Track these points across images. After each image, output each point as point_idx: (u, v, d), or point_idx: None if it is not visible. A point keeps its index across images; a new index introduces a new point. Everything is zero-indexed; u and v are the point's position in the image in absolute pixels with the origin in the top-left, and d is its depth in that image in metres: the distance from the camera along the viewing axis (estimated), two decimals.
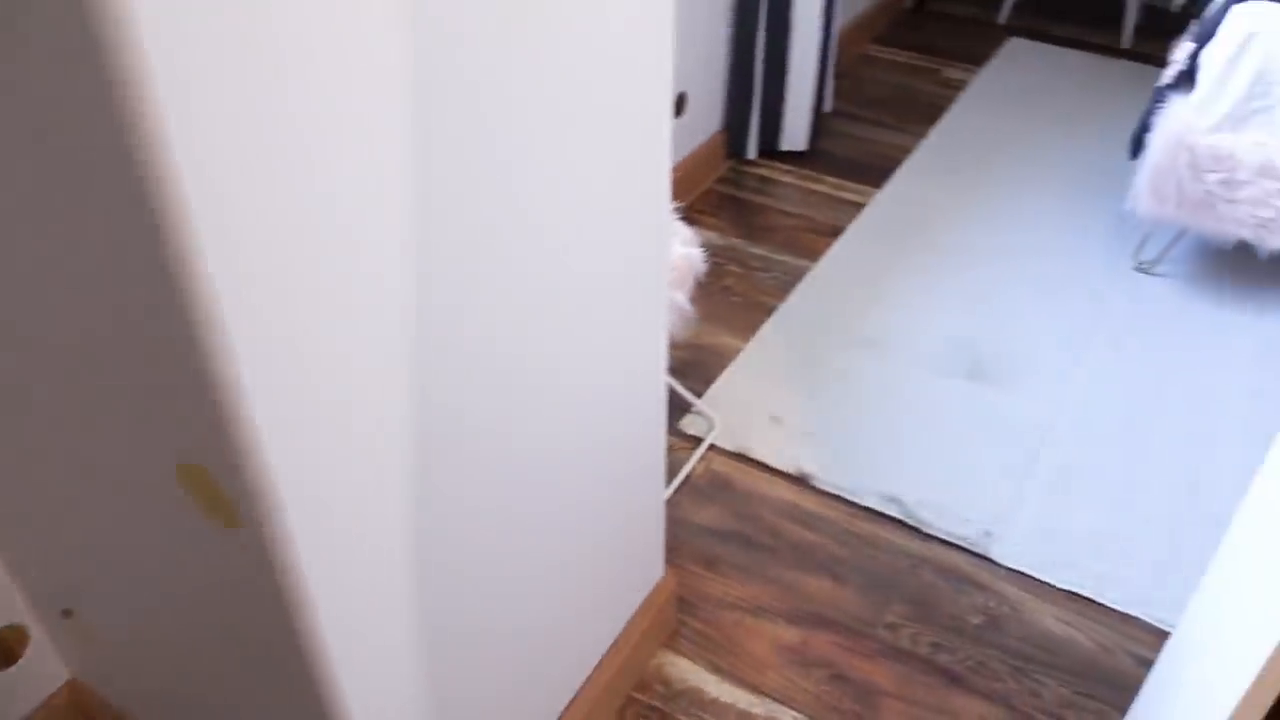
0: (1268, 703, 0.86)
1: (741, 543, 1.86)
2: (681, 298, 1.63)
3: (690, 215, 2.70)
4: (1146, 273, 2.54)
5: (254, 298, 0.68)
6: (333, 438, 0.79)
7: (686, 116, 2.65)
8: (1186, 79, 2.38)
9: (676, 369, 2.20)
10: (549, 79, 0.89)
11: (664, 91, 1.08)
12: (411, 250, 0.80)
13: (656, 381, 1.31)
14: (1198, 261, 2.57)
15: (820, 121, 2.99)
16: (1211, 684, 1.00)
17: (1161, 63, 3.50)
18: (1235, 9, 2.24)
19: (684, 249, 1.67)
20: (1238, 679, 0.88)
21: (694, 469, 1.99)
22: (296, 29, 0.63)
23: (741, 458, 2.02)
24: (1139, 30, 3.72)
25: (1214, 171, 2.28)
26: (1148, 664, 1.66)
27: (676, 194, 2.76)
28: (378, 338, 0.80)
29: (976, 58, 3.59)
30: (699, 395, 2.15)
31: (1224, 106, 2.24)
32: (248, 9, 0.59)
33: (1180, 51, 2.42)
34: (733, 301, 2.42)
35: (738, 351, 2.27)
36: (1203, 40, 2.32)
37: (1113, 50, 3.68)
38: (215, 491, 0.79)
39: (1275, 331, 2.36)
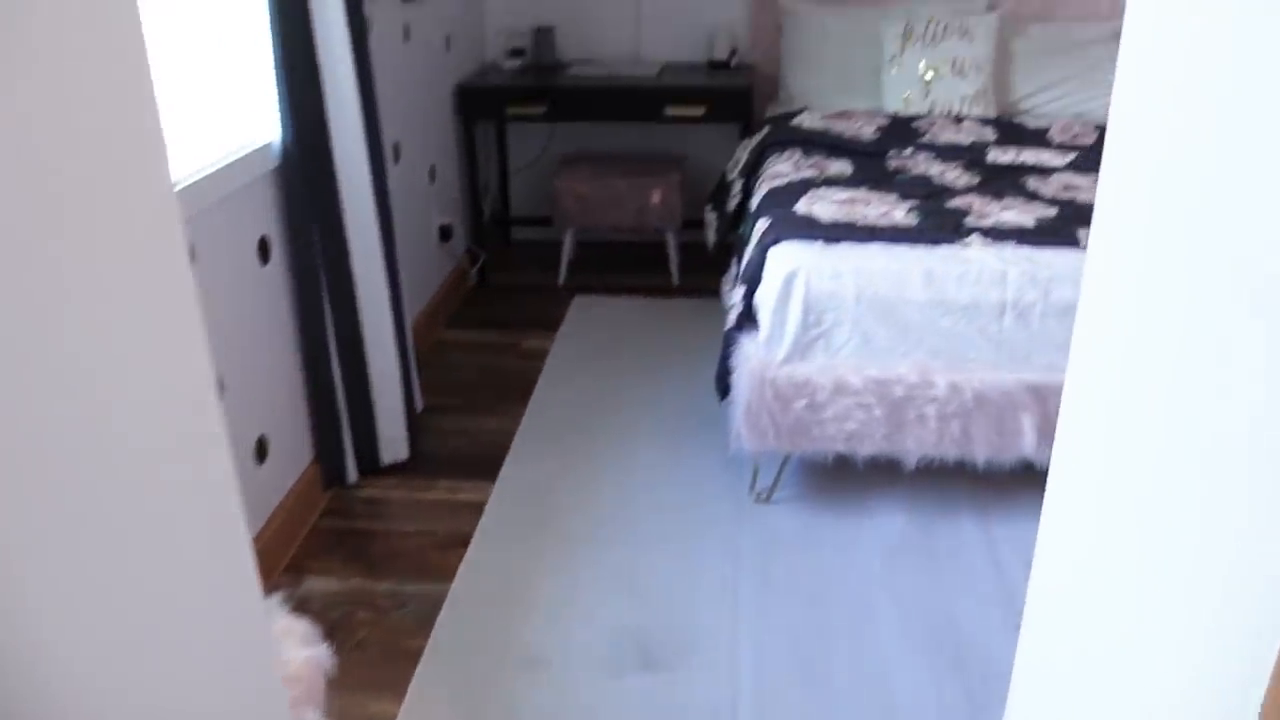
0: None
1: None
2: (315, 716, 1.35)
3: (300, 566, 2.41)
4: (766, 503, 2.60)
5: None
6: None
7: (271, 461, 2.39)
8: (748, 319, 2.53)
9: None
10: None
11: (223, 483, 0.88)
12: None
13: None
14: (809, 481, 2.68)
15: (416, 424, 2.85)
16: None
17: (710, 293, 3.81)
18: (772, 252, 2.43)
19: (303, 651, 1.41)
20: None
21: None
22: None
23: None
24: (683, 268, 4.02)
25: (797, 399, 2.40)
26: None
27: (277, 548, 2.47)
28: None
29: (549, 323, 3.67)
30: None
31: (788, 340, 2.39)
32: None
33: (735, 295, 2.58)
34: (371, 657, 2.14)
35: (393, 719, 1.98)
36: (752, 283, 2.48)
37: (666, 290, 3.94)
38: None
39: (892, 531, 2.48)
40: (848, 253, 2.38)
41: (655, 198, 3.83)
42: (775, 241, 2.44)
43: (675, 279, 3.98)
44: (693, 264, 4.04)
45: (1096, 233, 1.01)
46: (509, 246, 4.45)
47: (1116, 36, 3.63)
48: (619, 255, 4.29)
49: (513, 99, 3.81)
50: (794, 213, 2.59)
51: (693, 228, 4.01)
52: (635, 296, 3.88)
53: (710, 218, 3.54)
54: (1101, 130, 3.31)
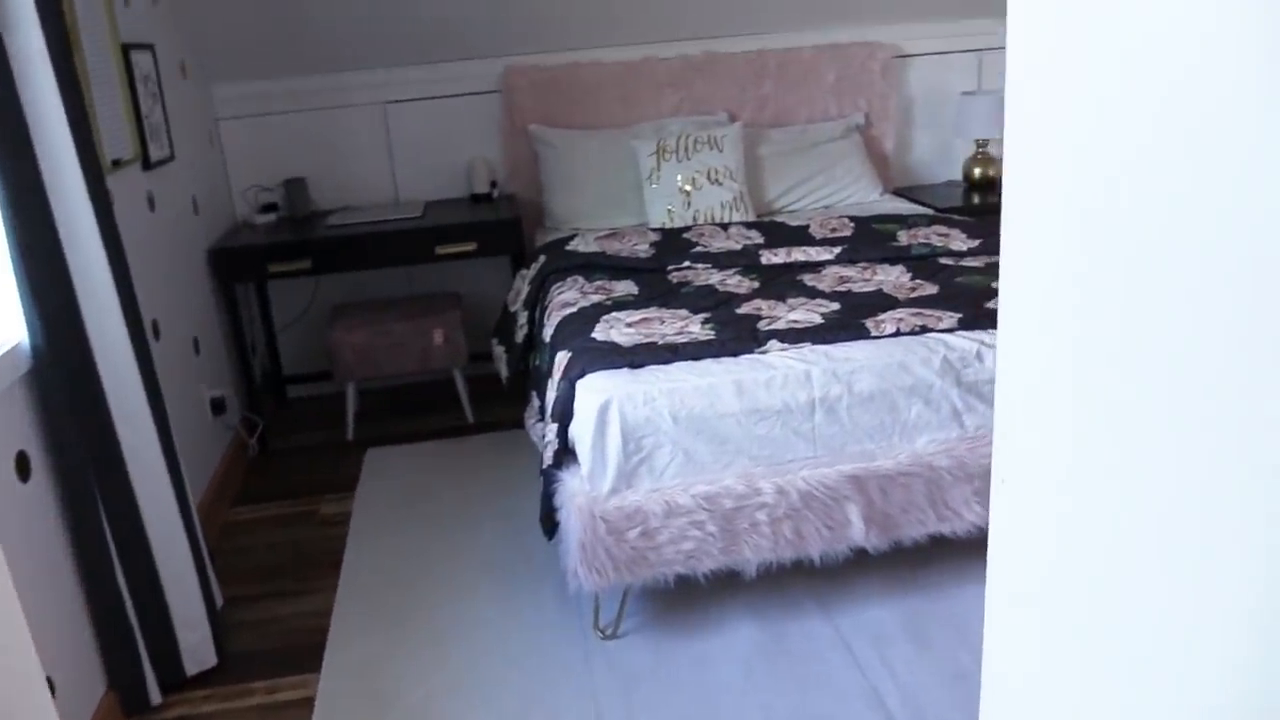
0: None
1: None
2: None
3: None
4: (614, 637, 2.52)
5: None
6: None
7: (59, 701, 2.10)
8: (566, 454, 2.48)
9: None
10: None
11: None
12: None
13: None
14: (653, 607, 2.62)
15: (219, 623, 2.59)
16: None
17: (510, 425, 3.74)
18: (581, 385, 2.39)
19: None
20: None
21: None
22: None
23: None
24: (476, 403, 3.93)
25: (630, 529, 2.35)
26: None
27: None
28: None
29: (344, 482, 3.48)
30: None
31: (611, 471, 2.35)
32: None
33: (548, 432, 2.52)
34: None
35: None
36: (564, 419, 2.43)
37: (463, 429, 3.83)
38: None
39: (745, 642, 2.46)
40: (656, 375, 2.39)
41: (438, 338, 3.74)
42: (582, 374, 2.41)
43: (470, 416, 3.88)
44: (486, 397, 3.97)
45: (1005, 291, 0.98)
46: (287, 407, 4.22)
47: (847, 133, 3.90)
48: (407, 399, 4.15)
49: (273, 256, 3.65)
50: (594, 341, 2.58)
51: (481, 360, 3.94)
52: (431, 440, 3.75)
53: (498, 351, 3.49)
54: (855, 220, 3.54)
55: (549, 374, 2.68)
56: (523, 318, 3.29)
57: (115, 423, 2.29)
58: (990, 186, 4.29)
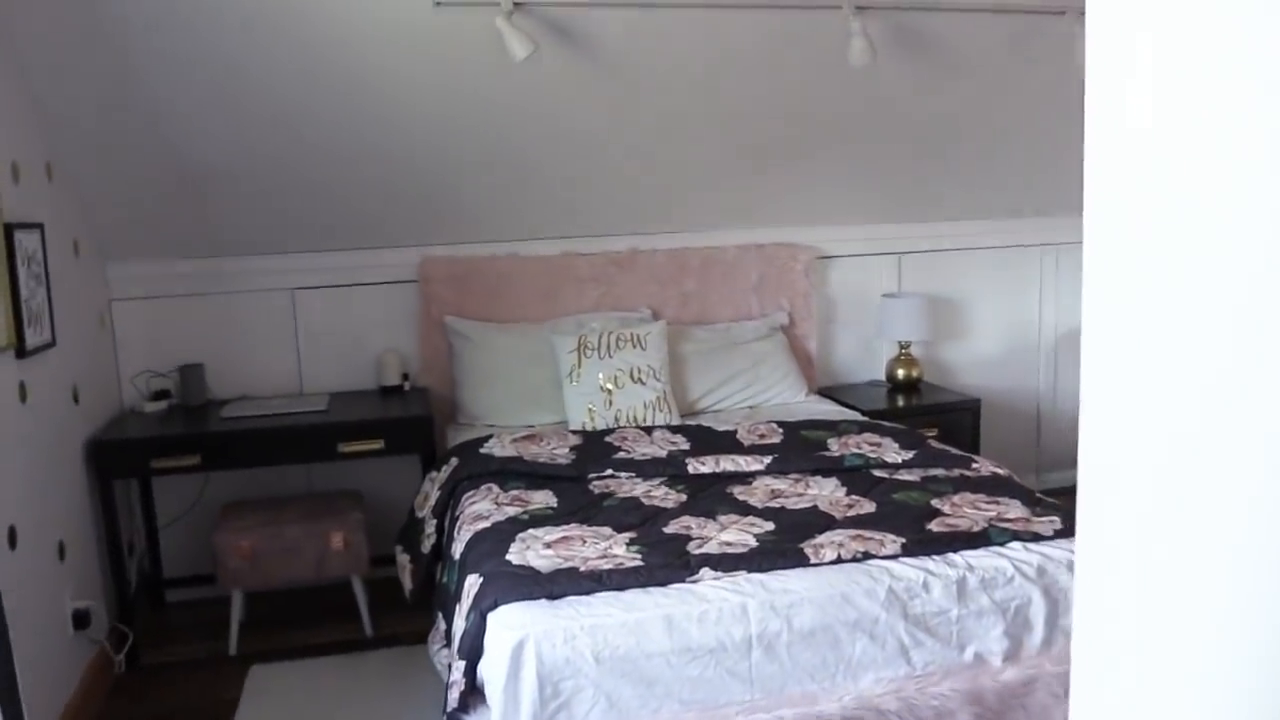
0: None
1: None
2: None
3: None
4: None
5: None
6: None
7: None
8: (474, 694, 2.20)
9: None
10: None
11: None
12: None
13: None
14: None
15: None
16: None
17: (413, 639, 3.42)
18: (493, 619, 2.15)
19: None
20: None
21: None
22: None
23: None
24: (376, 613, 3.60)
25: None
26: None
27: None
28: None
29: (223, 706, 3.09)
30: None
31: (525, 717, 2.08)
32: None
33: (454, 670, 2.25)
34: None
35: None
36: (473, 655, 2.17)
37: (360, 643, 3.49)
38: None
39: None
40: (577, 609, 2.15)
41: (336, 542, 3.45)
42: (494, 606, 2.17)
43: (369, 629, 3.54)
44: (388, 605, 3.62)
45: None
46: (165, 613, 3.83)
47: (771, 332, 3.83)
48: (300, 608, 3.79)
49: (159, 451, 3.36)
50: (507, 564, 2.34)
51: (384, 563, 3.64)
52: (325, 656, 3.39)
53: (402, 560, 3.22)
54: (784, 426, 3.42)
55: (457, 597, 2.43)
56: (430, 526, 3.05)
57: None
58: (914, 388, 4.25)
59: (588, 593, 2.20)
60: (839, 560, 2.33)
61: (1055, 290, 4.75)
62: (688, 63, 3.38)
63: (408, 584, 3.13)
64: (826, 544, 2.39)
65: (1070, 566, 2.39)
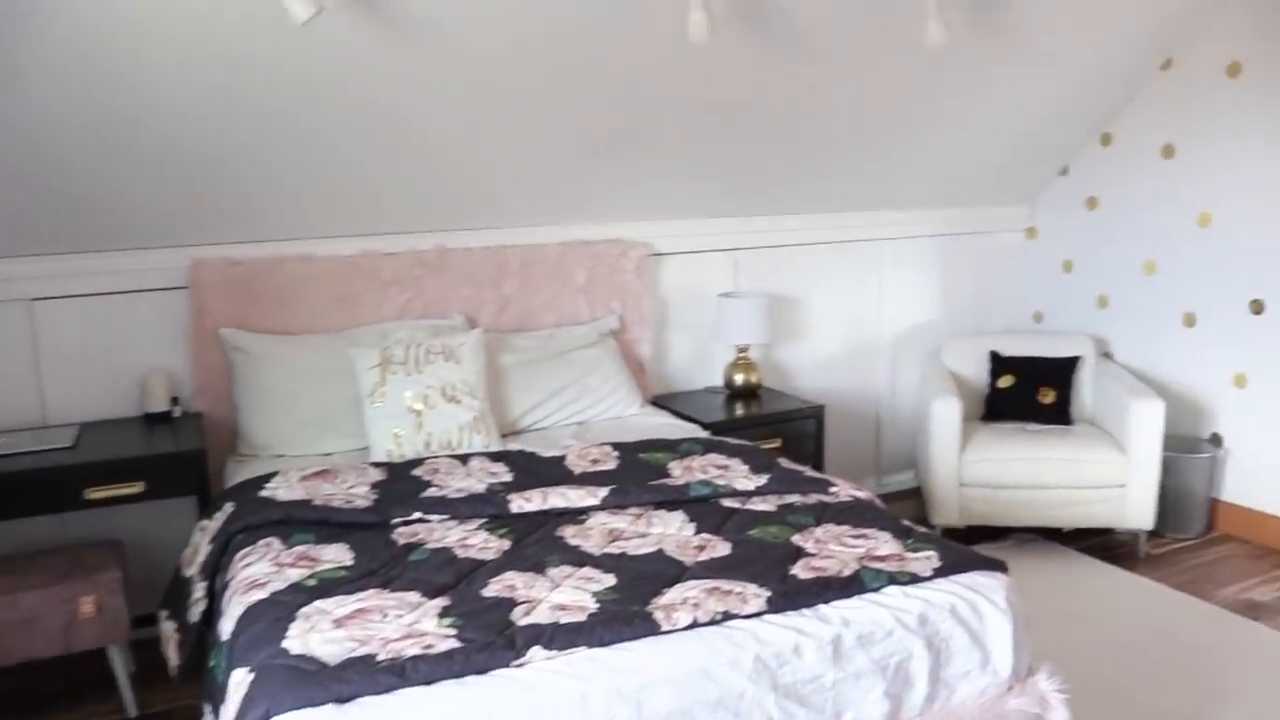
0: None
1: None
2: None
3: None
4: None
5: None
6: None
7: None
8: None
9: None
10: None
11: None
12: None
13: None
14: None
15: None
16: None
17: (184, 715, 2.86)
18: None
19: None
20: None
21: None
22: None
23: None
24: (142, 686, 3.01)
25: None
26: None
27: None
28: None
29: None
30: None
31: None
32: None
33: None
34: None
35: None
36: None
37: None
38: None
39: None
40: (374, 712, 1.69)
41: (86, 608, 2.84)
42: (267, 715, 1.69)
43: (132, 708, 2.95)
44: (159, 675, 3.00)
45: None
46: None
47: (601, 338, 3.40)
48: (44, 685, 3.14)
49: None
50: (284, 654, 1.85)
51: (147, 624, 3.05)
52: None
53: (167, 628, 2.66)
54: (618, 448, 3.02)
55: (224, 692, 1.92)
56: (199, 588, 2.51)
57: None
58: (753, 394, 3.95)
59: (387, 690, 1.74)
60: (695, 625, 1.95)
61: (894, 286, 4.55)
62: (504, 31, 2.93)
63: (173, 658, 2.58)
64: (679, 603, 2.01)
65: (954, 611, 2.10)
